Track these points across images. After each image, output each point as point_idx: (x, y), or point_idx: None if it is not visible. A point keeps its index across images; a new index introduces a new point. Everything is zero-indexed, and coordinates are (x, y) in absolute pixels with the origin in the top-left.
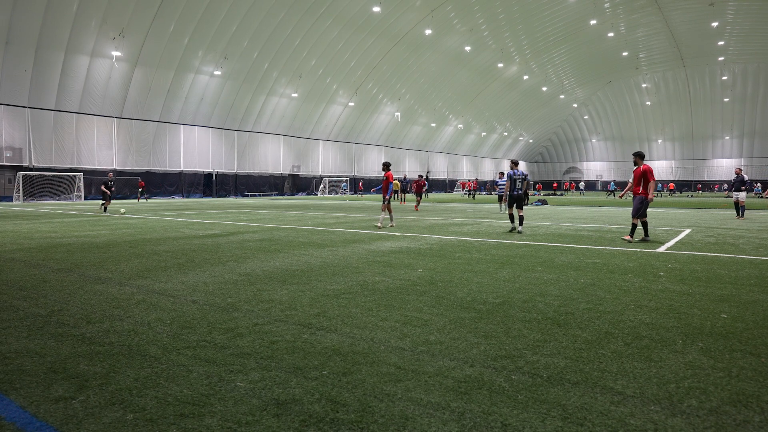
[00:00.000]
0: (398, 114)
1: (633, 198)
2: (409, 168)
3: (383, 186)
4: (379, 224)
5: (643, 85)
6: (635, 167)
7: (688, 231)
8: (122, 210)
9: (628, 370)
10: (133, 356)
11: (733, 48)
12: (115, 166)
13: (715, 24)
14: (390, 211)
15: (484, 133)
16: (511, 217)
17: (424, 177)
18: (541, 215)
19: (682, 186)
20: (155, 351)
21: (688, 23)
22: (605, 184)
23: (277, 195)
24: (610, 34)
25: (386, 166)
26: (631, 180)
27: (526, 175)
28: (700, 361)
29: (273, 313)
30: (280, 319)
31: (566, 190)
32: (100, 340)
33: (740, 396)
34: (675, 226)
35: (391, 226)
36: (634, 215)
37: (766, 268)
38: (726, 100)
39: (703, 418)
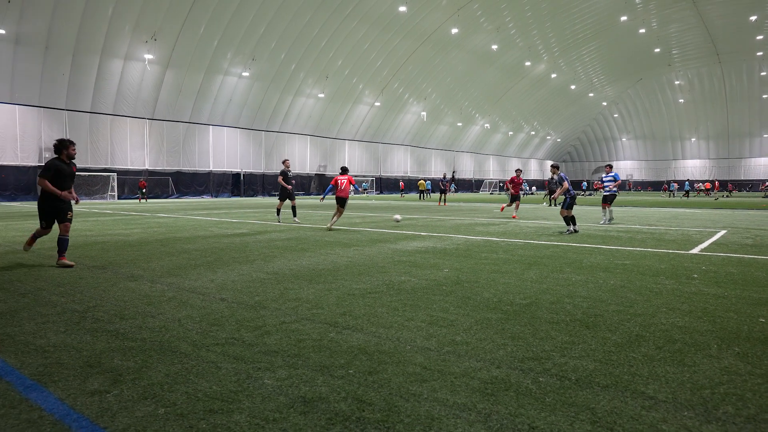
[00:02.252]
0: (424, 113)
1: None
2: (435, 168)
3: (336, 186)
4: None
5: (676, 82)
6: None
7: (723, 232)
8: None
9: (660, 374)
10: (165, 352)
11: None
12: (147, 167)
13: (753, 18)
14: (339, 214)
15: (511, 133)
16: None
17: (450, 177)
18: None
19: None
20: (185, 347)
21: (724, 17)
22: (636, 184)
23: (304, 194)
24: (642, 30)
25: (343, 170)
26: None
27: (563, 178)
28: (736, 367)
29: (300, 312)
30: (306, 317)
31: (595, 189)
32: (133, 335)
33: None
34: (709, 227)
35: (329, 227)
36: None
37: None
38: (765, 96)
39: (739, 425)
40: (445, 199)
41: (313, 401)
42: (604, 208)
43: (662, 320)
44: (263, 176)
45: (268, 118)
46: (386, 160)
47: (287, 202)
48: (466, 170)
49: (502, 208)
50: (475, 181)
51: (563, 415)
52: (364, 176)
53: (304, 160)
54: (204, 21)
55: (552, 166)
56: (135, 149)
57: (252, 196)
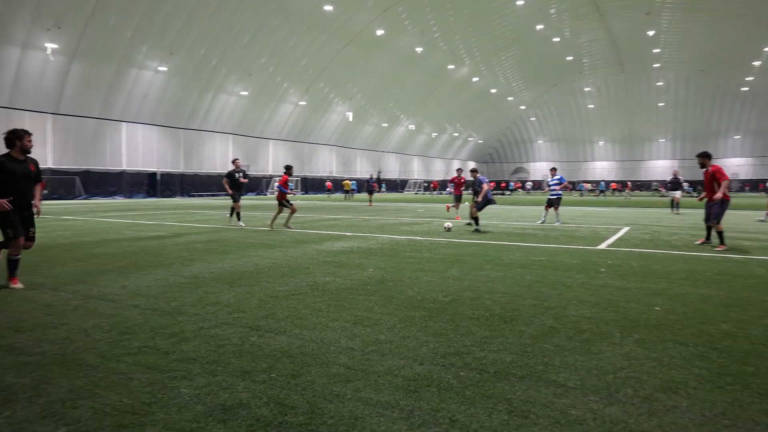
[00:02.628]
0: (350, 114)
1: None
2: (360, 168)
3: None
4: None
5: (586, 89)
6: (703, 169)
7: (626, 229)
8: None
9: (570, 363)
10: (68, 365)
11: (667, 56)
12: (49, 165)
13: (650, 33)
14: (278, 213)
15: (435, 134)
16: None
17: (376, 177)
18: (490, 214)
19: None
20: (92, 359)
21: (627, 31)
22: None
23: (226, 195)
24: (556, 39)
25: (287, 169)
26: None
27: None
28: (635, 352)
29: (220, 316)
30: (227, 322)
31: (513, 189)
32: (31, 349)
33: (670, 383)
34: (615, 224)
35: (270, 226)
36: (718, 221)
37: (695, 262)
38: (661, 104)
39: (637, 405)
40: (371, 200)
41: (233, 408)
42: (547, 210)
43: (573, 312)
44: (182, 176)
45: (188, 115)
46: (312, 160)
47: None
48: (391, 170)
49: (448, 208)
50: (400, 181)
51: (482, 406)
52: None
53: (226, 159)
54: (116, 10)
55: (471, 170)
56: (35, 146)
57: (170, 196)
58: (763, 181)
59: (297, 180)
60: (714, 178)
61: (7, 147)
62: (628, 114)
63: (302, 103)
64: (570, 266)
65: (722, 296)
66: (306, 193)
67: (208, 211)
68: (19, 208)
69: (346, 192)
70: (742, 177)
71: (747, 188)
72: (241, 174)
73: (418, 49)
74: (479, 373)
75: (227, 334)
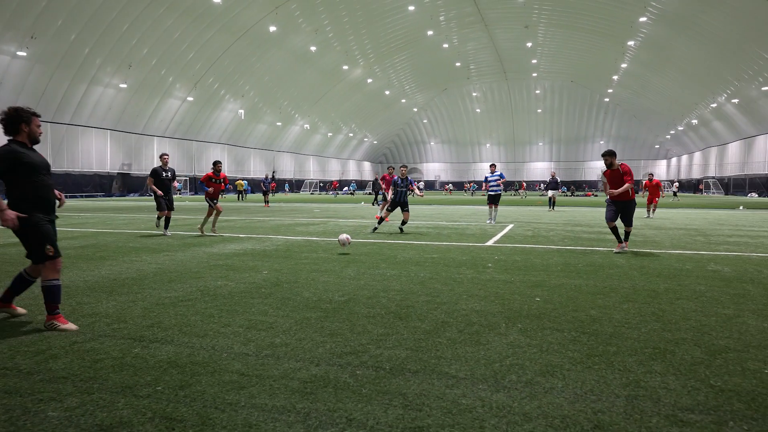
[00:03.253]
0: (242, 111)
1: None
2: (254, 167)
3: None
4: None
5: (474, 94)
6: (611, 168)
7: (511, 226)
8: None
9: (461, 354)
10: None
11: (543, 67)
12: None
13: (529, 44)
14: (209, 215)
15: (330, 134)
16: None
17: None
18: None
19: (506, 185)
20: None
21: (508, 41)
22: (443, 183)
23: (104, 196)
24: (445, 45)
25: (214, 165)
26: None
27: (411, 181)
28: (519, 341)
29: (97, 329)
30: (105, 334)
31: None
32: None
33: (548, 367)
34: (501, 221)
35: (200, 230)
36: (629, 223)
37: (569, 256)
38: (539, 111)
39: (520, 389)
40: (268, 200)
41: (112, 428)
42: (490, 207)
43: (463, 306)
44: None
45: (56, 107)
46: (202, 159)
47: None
48: (287, 170)
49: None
50: (295, 181)
51: (378, 403)
52: (178, 176)
53: (104, 157)
54: None
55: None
56: None
57: None
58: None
59: (185, 180)
60: (623, 175)
61: (8, 133)
62: (511, 118)
63: (190, 98)
64: (461, 262)
65: (591, 285)
66: (195, 193)
67: (86, 214)
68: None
69: (239, 192)
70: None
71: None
72: (169, 173)
73: (312, 48)
74: (375, 371)
75: (105, 348)
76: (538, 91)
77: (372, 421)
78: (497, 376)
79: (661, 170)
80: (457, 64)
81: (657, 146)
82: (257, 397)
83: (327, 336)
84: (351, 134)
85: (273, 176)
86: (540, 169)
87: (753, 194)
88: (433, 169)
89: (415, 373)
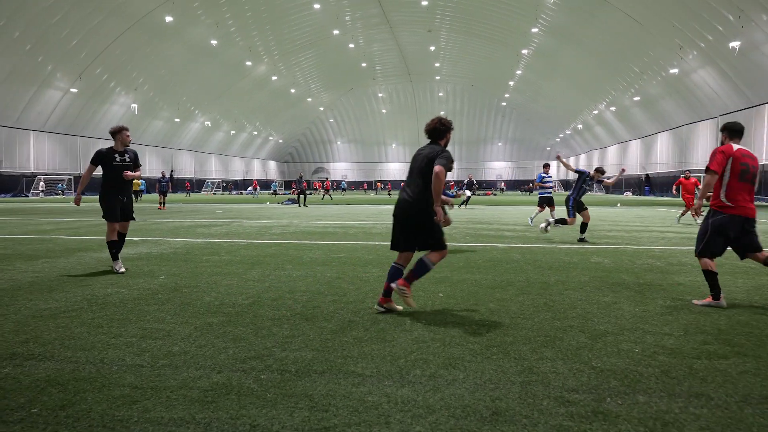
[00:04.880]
0: (135, 106)
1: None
2: (150, 166)
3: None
4: None
5: (379, 95)
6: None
7: None
8: None
9: (367, 352)
10: None
11: (445, 70)
12: None
13: (432, 48)
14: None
15: (234, 132)
16: None
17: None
18: (292, 214)
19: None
20: None
21: (413, 44)
22: (350, 183)
23: None
24: (351, 45)
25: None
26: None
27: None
28: (423, 336)
29: None
30: None
31: (315, 189)
32: None
33: (451, 360)
34: None
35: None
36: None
37: (470, 252)
38: (442, 113)
39: (424, 383)
40: (164, 202)
41: None
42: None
43: (370, 305)
44: None
45: None
46: (88, 157)
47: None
48: (186, 169)
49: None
50: (196, 180)
51: (284, 407)
52: (58, 175)
53: None
54: None
55: (301, 173)
56: None
57: None
58: (520, 182)
59: (68, 179)
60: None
61: None
62: (416, 119)
63: (74, 90)
64: (367, 261)
65: (490, 280)
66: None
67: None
68: None
69: (135, 192)
70: (505, 178)
71: (504, 187)
72: (127, 157)
73: (213, 42)
74: (281, 374)
75: None
76: (441, 94)
77: (277, 425)
78: (402, 371)
79: (551, 171)
80: (363, 64)
81: (548, 148)
82: (152, 410)
83: (230, 341)
84: (255, 132)
85: (171, 175)
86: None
87: (628, 193)
88: (340, 168)
89: (321, 374)
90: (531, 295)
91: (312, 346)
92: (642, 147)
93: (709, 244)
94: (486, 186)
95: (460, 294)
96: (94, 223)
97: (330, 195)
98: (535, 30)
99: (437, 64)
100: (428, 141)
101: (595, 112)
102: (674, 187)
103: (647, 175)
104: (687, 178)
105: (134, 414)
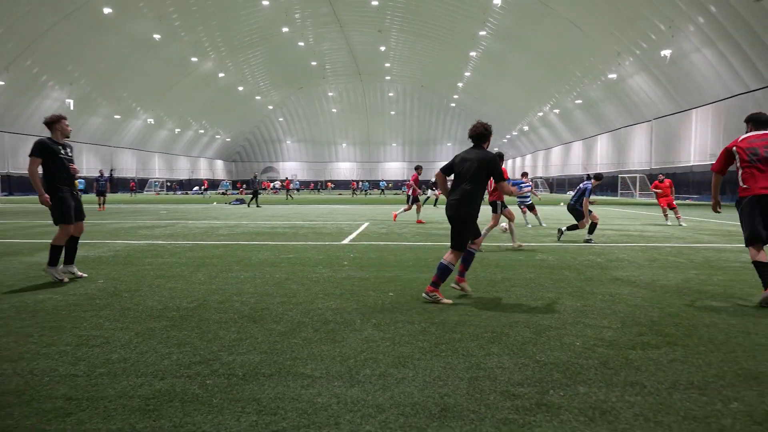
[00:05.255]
0: (70, 101)
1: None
2: (87, 165)
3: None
4: None
5: (330, 94)
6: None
7: (366, 224)
8: None
9: (317, 354)
10: None
11: (395, 71)
12: None
13: (382, 48)
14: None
15: (179, 130)
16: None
17: (108, 175)
18: (239, 215)
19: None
20: None
21: (363, 44)
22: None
23: None
24: (301, 44)
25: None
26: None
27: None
28: (373, 335)
29: None
30: None
31: (264, 188)
32: None
33: (400, 358)
34: (357, 220)
35: None
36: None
37: (420, 251)
38: (393, 113)
39: (374, 382)
40: (104, 202)
41: None
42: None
43: (319, 305)
44: None
45: None
46: (18, 154)
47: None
48: (128, 168)
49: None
50: (138, 180)
51: (230, 412)
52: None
53: None
54: None
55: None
56: None
57: None
58: None
59: None
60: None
61: None
62: (366, 119)
63: (0, 82)
64: (317, 261)
65: None
66: (11, 194)
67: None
68: None
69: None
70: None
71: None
72: (69, 151)
73: (156, 36)
74: (227, 378)
75: None
76: (391, 94)
77: (224, 431)
78: (352, 371)
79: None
80: (313, 63)
81: (496, 149)
82: (88, 422)
83: (174, 346)
84: (202, 131)
85: (111, 175)
86: (394, 168)
87: (571, 192)
88: (290, 168)
89: (269, 377)
90: (479, 293)
91: (260, 349)
92: (584, 148)
93: (745, 230)
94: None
95: (410, 293)
96: (27, 224)
97: (291, 195)
98: (483, 33)
99: (387, 64)
100: (471, 145)
101: (540, 114)
102: (652, 189)
103: (588, 175)
104: (662, 181)
105: (67, 427)
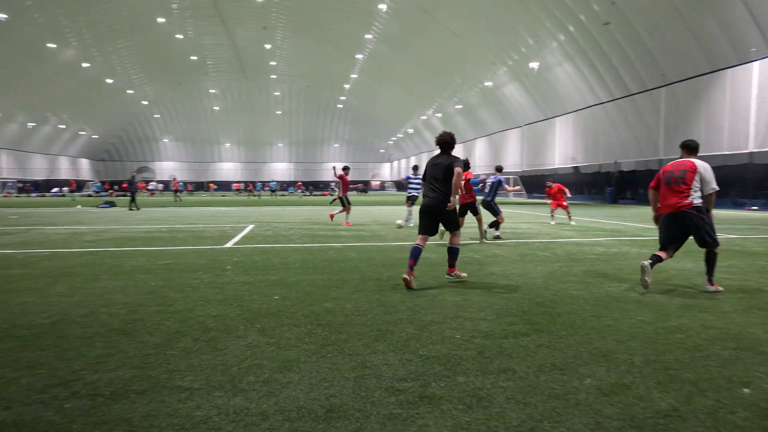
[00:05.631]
0: None
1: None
2: None
3: None
4: None
5: (211, 91)
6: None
7: (251, 226)
8: None
9: (196, 364)
10: None
11: (281, 69)
12: None
13: (268, 46)
14: None
15: (33, 124)
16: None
17: None
18: (109, 218)
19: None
20: None
21: (247, 41)
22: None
23: None
24: (179, 36)
25: None
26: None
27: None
28: (257, 341)
29: None
30: None
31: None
32: None
33: (286, 363)
34: (241, 222)
35: None
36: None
37: (306, 252)
38: (278, 112)
39: (258, 390)
40: None
41: None
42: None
43: (199, 313)
44: None
45: None
46: None
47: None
48: None
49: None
50: None
51: None
52: None
53: None
54: None
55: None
56: None
57: None
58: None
59: None
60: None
61: None
62: (251, 118)
63: None
64: (197, 267)
65: (326, 279)
66: None
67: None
68: None
69: None
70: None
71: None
72: None
73: (2, 16)
74: (91, 399)
75: None
76: (277, 93)
77: None
78: (235, 380)
79: (385, 172)
80: (193, 57)
81: (382, 150)
82: None
83: (23, 369)
84: (62, 126)
85: None
86: (280, 169)
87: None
88: (168, 168)
89: (141, 394)
90: (365, 292)
91: (131, 364)
92: (464, 151)
93: (660, 238)
94: (323, 187)
95: (296, 295)
96: None
97: (179, 197)
98: (369, 36)
99: (273, 63)
100: (440, 151)
101: (424, 117)
102: (546, 194)
103: (496, 167)
104: (550, 187)
105: None
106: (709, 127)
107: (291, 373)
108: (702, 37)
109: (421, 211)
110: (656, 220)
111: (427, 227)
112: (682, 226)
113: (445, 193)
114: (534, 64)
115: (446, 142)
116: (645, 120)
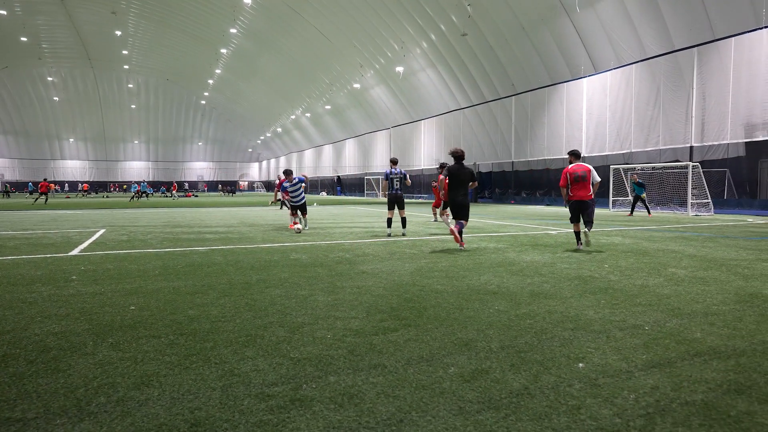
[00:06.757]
0: None
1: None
2: None
3: None
4: None
5: (49, 79)
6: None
7: (102, 231)
8: None
9: (32, 390)
10: None
11: (135, 60)
12: None
13: (118, 33)
14: None
15: None
16: (389, 221)
17: None
18: None
19: (98, 186)
20: None
21: (93, 25)
22: (8, 184)
23: None
24: (3, 12)
25: None
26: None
27: (405, 174)
28: (109, 357)
29: None
30: None
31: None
32: None
33: (143, 378)
34: (90, 227)
35: None
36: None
37: (168, 258)
38: (133, 106)
39: (110, 411)
40: None
41: None
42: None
43: (36, 331)
44: None
45: None
46: None
47: None
48: None
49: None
50: None
51: None
52: None
53: None
54: None
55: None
56: None
57: None
58: (221, 182)
59: None
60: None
61: None
62: (101, 112)
63: None
64: (34, 278)
65: (190, 285)
66: None
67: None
68: None
69: None
70: (207, 179)
71: (206, 189)
72: None
73: None
74: None
75: None
76: (131, 85)
77: None
78: (81, 403)
79: (254, 172)
80: (23, 39)
81: (250, 150)
82: None
83: None
84: None
85: None
86: (137, 169)
87: (323, 193)
88: None
89: None
90: (233, 297)
91: None
92: (334, 151)
93: (571, 215)
94: (188, 187)
95: (155, 304)
96: None
97: (46, 198)
98: (233, 31)
99: (125, 52)
100: (455, 161)
101: (293, 117)
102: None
103: (339, 176)
104: (434, 186)
105: None
106: (550, 134)
107: (149, 388)
108: (543, 53)
109: (450, 206)
110: (567, 203)
111: (457, 215)
112: (582, 209)
113: (465, 194)
114: (400, 69)
115: (462, 155)
116: (499, 126)
